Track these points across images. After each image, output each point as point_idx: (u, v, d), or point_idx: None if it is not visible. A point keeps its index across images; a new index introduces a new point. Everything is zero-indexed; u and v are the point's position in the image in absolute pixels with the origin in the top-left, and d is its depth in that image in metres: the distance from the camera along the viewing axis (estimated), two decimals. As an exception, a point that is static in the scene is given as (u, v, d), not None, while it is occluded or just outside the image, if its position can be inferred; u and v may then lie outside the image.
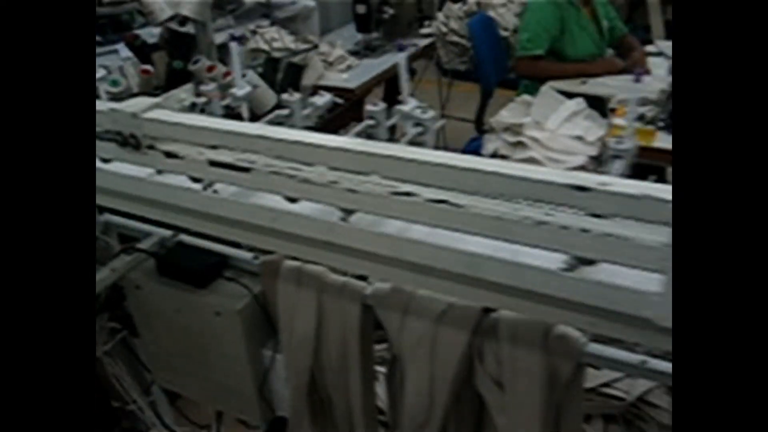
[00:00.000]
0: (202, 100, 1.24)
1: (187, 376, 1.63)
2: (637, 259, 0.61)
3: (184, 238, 1.54)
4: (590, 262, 0.66)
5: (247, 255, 1.44)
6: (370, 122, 1.08)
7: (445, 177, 0.65)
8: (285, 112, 1.16)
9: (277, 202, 0.81)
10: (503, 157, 2.43)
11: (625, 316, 0.65)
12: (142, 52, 2.67)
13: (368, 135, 1.07)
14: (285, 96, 1.15)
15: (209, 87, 1.29)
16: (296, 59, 2.90)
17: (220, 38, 3.42)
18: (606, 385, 1.68)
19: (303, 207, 0.80)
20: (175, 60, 2.41)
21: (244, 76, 1.99)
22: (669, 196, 0.56)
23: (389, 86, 4.01)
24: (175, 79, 2.36)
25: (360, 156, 0.69)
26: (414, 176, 0.67)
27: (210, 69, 2.18)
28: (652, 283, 0.63)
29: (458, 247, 0.75)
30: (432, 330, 1.16)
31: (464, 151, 2.95)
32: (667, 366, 1.07)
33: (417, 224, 0.76)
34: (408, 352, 1.21)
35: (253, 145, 0.76)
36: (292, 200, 0.80)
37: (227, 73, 2.07)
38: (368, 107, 1.12)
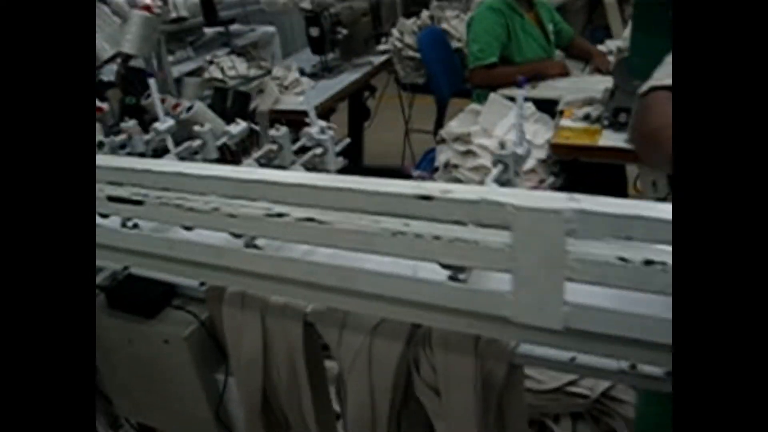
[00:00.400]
0: (122, 137, 1.26)
1: (147, 406, 1.66)
2: (486, 261, 0.64)
3: (135, 270, 1.56)
4: (461, 269, 0.70)
5: (194, 283, 1.46)
6: (272, 147, 1.11)
7: (311, 196, 0.69)
8: (197, 143, 1.19)
9: (176, 232, 0.85)
10: (455, 166, 2.48)
11: (492, 317, 0.69)
12: (98, 89, 2.70)
13: (269, 159, 1.10)
14: (196, 128, 1.19)
15: (129, 123, 1.32)
16: (252, 85, 2.94)
17: (181, 69, 3.47)
18: (571, 383, 1.71)
19: (199, 235, 0.84)
20: (128, 96, 2.44)
21: (190, 108, 2.04)
22: (505, 199, 0.59)
23: (353, 103, 4.06)
24: (129, 114, 2.38)
25: (234, 183, 0.73)
26: (287, 198, 0.71)
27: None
28: (505, 283, 0.66)
29: (357, 266, 0.78)
30: (367, 342, 1.18)
31: (420, 163, 2.98)
32: (590, 359, 1.10)
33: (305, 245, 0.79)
34: (347, 365, 1.23)
35: (142, 179, 0.80)
36: (188, 228, 0.83)
37: (176, 105, 2.11)
38: (271, 132, 1.16)
